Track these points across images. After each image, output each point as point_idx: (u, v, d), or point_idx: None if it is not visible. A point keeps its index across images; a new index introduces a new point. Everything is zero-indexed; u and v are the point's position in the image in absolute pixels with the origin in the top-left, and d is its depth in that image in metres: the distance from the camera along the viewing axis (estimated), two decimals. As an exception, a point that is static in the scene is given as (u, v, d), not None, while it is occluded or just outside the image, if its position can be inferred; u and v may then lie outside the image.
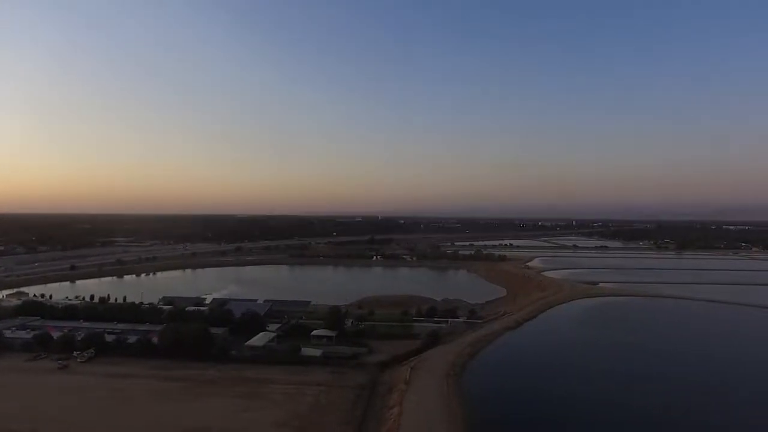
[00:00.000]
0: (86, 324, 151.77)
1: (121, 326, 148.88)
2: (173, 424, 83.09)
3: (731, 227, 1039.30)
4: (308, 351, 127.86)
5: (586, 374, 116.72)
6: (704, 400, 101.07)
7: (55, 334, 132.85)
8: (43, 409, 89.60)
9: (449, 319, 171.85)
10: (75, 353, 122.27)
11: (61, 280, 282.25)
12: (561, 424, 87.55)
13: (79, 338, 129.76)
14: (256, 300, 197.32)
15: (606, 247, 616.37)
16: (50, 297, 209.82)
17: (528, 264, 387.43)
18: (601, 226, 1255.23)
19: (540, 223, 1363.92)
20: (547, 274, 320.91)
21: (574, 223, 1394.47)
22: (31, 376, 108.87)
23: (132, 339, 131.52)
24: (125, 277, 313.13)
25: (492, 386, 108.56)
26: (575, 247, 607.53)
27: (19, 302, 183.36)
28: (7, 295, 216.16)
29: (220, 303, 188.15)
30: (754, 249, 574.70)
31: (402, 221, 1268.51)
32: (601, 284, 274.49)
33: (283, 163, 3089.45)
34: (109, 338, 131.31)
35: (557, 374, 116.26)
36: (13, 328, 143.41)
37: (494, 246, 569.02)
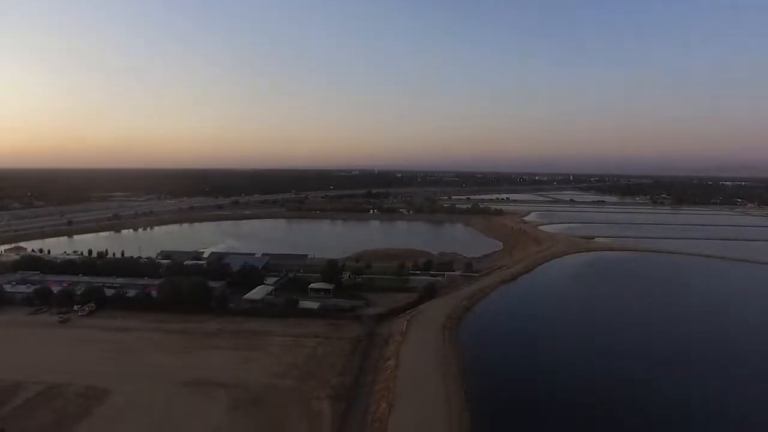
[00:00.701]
0: (85, 278, 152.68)
1: (120, 280, 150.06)
2: (175, 376, 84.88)
3: (728, 183, 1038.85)
4: (306, 304, 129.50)
5: (580, 328, 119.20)
6: (687, 348, 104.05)
7: (55, 289, 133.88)
8: (47, 361, 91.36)
9: (446, 273, 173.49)
10: (75, 307, 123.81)
11: (58, 235, 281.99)
12: (552, 376, 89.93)
13: (78, 292, 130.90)
14: (253, 254, 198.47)
15: (603, 201, 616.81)
16: (48, 252, 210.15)
17: (524, 218, 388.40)
18: (598, 180, 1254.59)
19: (537, 178, 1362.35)
20: (543, 228, 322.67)
21: (571, 177, 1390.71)
22: (34, 330, 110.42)
23: (131, 293, 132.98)
24: (122, 231, 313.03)
25: (487, 339, 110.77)
26: (572, 201, 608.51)
27: (17, 257, 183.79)
28: (5, 250, 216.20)
29: (218, 257, 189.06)
30: (749, 205, 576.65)
31: (399, 175, 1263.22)
32: (596, 239, 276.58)
33: (280, 118, 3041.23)
34: (108, 292, 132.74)
35: (551, 328, 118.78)
36: (13, 283, 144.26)
37: (491, 200, 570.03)
